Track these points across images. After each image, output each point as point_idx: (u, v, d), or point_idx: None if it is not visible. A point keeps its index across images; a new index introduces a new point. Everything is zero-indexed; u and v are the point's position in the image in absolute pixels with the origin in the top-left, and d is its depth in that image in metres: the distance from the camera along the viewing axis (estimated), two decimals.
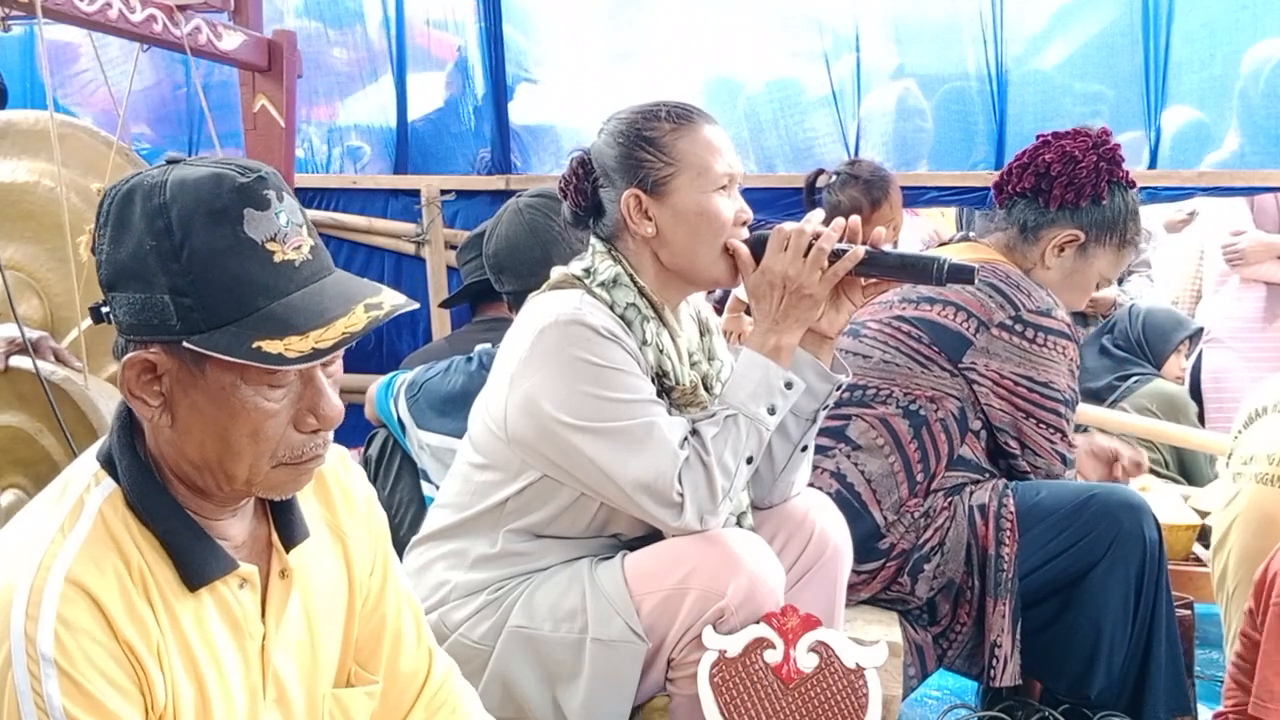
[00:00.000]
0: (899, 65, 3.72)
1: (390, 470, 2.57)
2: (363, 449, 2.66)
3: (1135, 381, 3.85)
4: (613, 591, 1.74)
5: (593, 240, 1.89)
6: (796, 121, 3.79)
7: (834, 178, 3.38)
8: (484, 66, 3.95)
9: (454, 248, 3.64)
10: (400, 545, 1.73)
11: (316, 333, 1.10)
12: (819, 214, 1.86)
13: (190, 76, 3.87)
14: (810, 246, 1.78)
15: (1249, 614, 1.81)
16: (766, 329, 1.81)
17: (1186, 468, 3.74)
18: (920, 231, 5.04)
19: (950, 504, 2.29)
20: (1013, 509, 2.24)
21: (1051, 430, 2.30)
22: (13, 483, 2.76)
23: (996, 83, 3.60)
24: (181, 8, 2.96)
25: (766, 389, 1.77)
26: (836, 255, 1.78)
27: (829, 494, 2.22)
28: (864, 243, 1.80)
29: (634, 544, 1.84)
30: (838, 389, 1.90)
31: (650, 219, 1.82)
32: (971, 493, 2.29)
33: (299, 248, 1.14)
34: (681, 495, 1.70)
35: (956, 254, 2.37)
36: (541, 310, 1.79)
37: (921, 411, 2.29)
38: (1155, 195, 3.55)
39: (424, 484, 2.48)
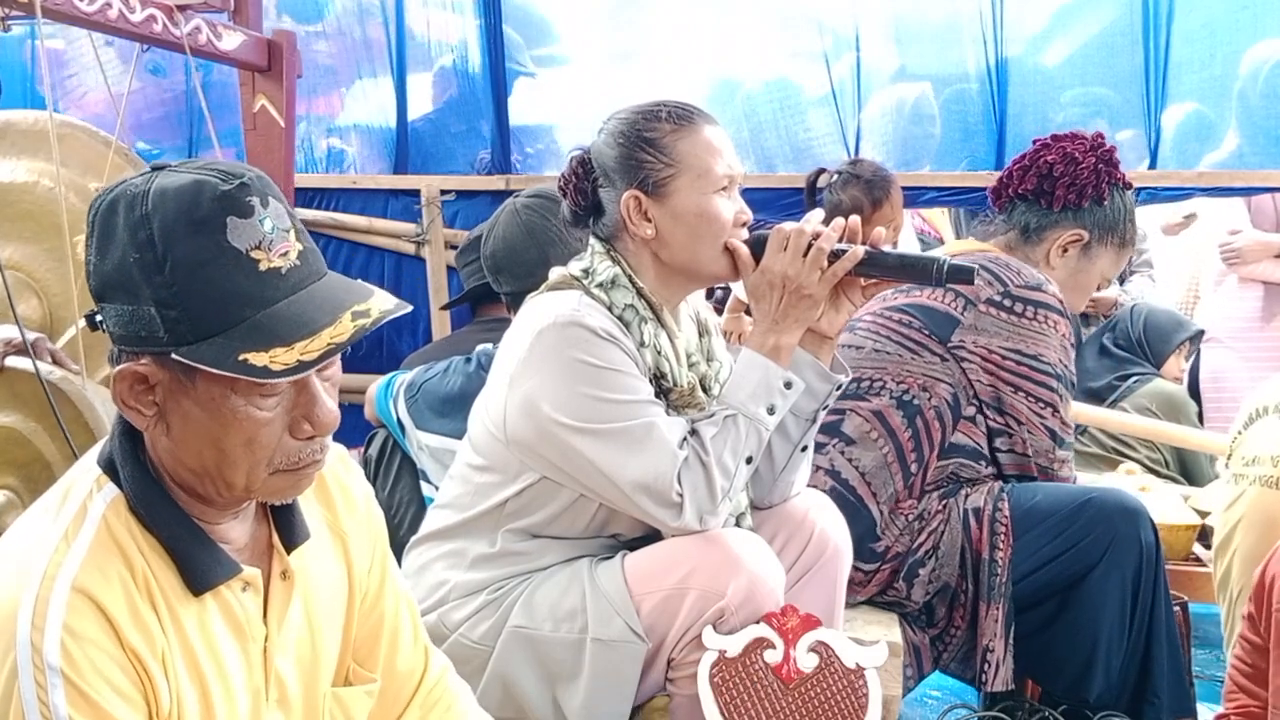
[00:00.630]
0: (899, 65, 3.72)
1: (390, 471, 2.57)
2: (362, 449, 2.67)
3: (1135, 381, 3.85)
4: (613, 591, 1.74)
5: (592, 240, 1.89)
6: (797, 121, 3.79)
7: (835, 177, 3.38)
8: (484, 66, 3.95)
9: (454, 248, 3.64)
10: (399, 546, 1.73)
11: (302, 344, 1.09)
12: (818, 214, 1.86)
13: (190, 77, 3.87)
14: (810, 246, 1.78)
15: (1248, 618, 1.81)
16: (766, 329, 1.81)
17: (1186, 468, 3.74)
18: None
19: (945, 507, 2.28)
20: (1007, 513, 2.24)
21: (1043, 405, 2.28)
22: (5, 484, 2.75)
23: (996, 83, 3.60)
24: (181, 8, 2.96)
25: (766, 389, 1.77)
26: (836, 255, 1.78)
27: (824, 491, 2.22)
28: (863, 243, 1.80)
29: (633, 544, 1.84)
30: (837, 389, 1.90)
31: (650, 220, 1.81)
32: (967, 495, 2.29)
33: (285, 254, 1.12)
34: (681, 495, 1.70)
35: (957, 252, 2.37)
36: (540, 311, 1.79)
37: (915, 401, 2.29)
38: (1155, 195, 3.55)
39: (423, 484, 2.48)
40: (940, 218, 4.99)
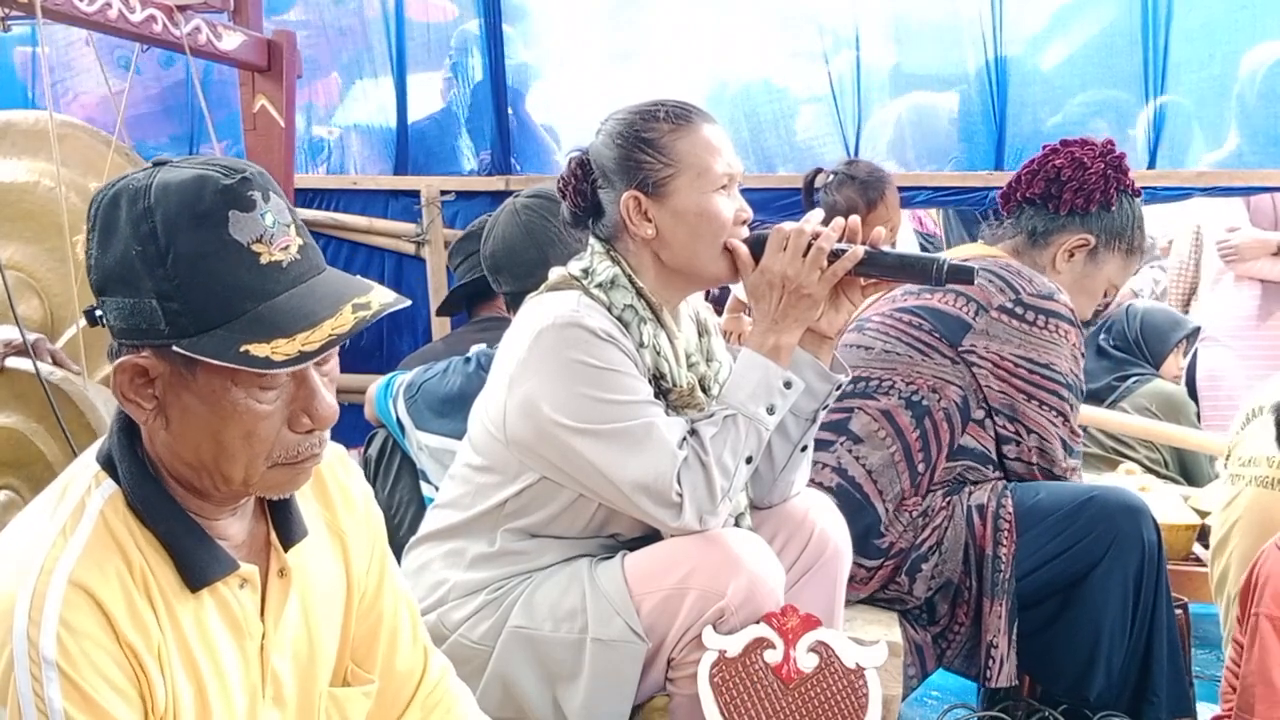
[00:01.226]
0: (898, 65, 3.71)
1: (389, 471, 2.57)
2: (362, 449, 2.67)
3: (1134, 381, 3.85)
4: (613, 591, 1.74)
5: (591, 240, 1.89)
6: (796, 121, 3.79)
7: (831, 178, 3.38)
8: (484, 67, 3.95)
9: None
10: (399, 546, 1.73)
11: (303, 335, 1.09)
12: (818, 214, 1.86)
13: (190, 77, 3.87)
14: (809, 246, 1.78)
15: (1239, 619, 1.81)
16: (765, 329, 1.81)
17: (1186, 468, 3.74)
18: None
19: (949, 503, 2.29)
20: (1011, 510, 2.24)
21: (1054, 413, 2.29)
22: (6, 484, 2.76)
23: (995, 83, 3.60)
24: (181, 8, 2.96)
25: (765, 389, 1.77)
26: (836, 255, 1.78)
27: (830, 488, 2.22)
28: (863, 243, 1.80)
29: (633, 544, 1.84)
30: (837, 389, 1.90)
31: (650, 220, 1.81)
32: (970, 492, 2.29)
33: (286, 248, 1.13)
34: (680, 495, 1.70)
35: (966, 256, 2.37)
36: (539, 312, 1.79)
37: (924, 401, 2.29)
38: (1154, 195, 3.54)
39: (423, 484, 2.48)
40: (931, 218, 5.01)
